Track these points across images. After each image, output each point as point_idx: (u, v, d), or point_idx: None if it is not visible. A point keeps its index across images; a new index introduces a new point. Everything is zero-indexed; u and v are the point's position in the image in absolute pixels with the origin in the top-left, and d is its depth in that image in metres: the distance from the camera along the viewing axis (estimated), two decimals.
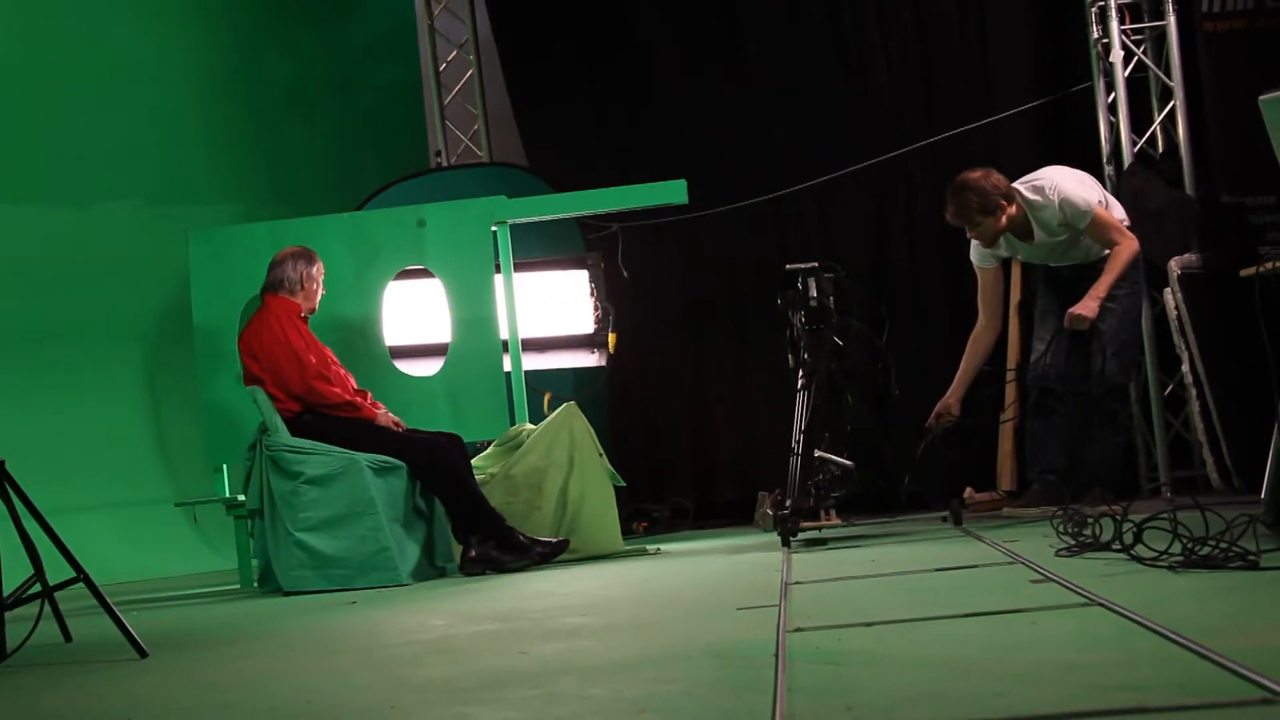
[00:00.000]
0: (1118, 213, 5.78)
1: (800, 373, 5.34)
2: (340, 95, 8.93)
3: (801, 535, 5.11)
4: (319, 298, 5.83)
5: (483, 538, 5.46)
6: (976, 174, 5.57)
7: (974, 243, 5.74)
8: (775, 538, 5.13)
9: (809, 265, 5.40)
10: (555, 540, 5.59)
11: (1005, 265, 6.23)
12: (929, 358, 6.94)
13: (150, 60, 8.25)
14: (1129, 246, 5.55)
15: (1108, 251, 5.62)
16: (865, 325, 5.71)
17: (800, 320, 5.35)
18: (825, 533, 5.25)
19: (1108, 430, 5.69)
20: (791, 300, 5.39)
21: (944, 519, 5.53)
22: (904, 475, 5.66)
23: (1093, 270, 5.69)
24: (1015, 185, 5.61)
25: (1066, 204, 5.50)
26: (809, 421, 5.20)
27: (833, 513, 5.17)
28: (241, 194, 8.37)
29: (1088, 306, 5.46)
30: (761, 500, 5.32)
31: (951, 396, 5.83)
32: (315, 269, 5.79)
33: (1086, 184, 5.75)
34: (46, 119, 7.89)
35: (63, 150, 7.93)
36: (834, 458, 5.21)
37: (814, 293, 5.34)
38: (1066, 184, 5.61)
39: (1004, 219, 5.53)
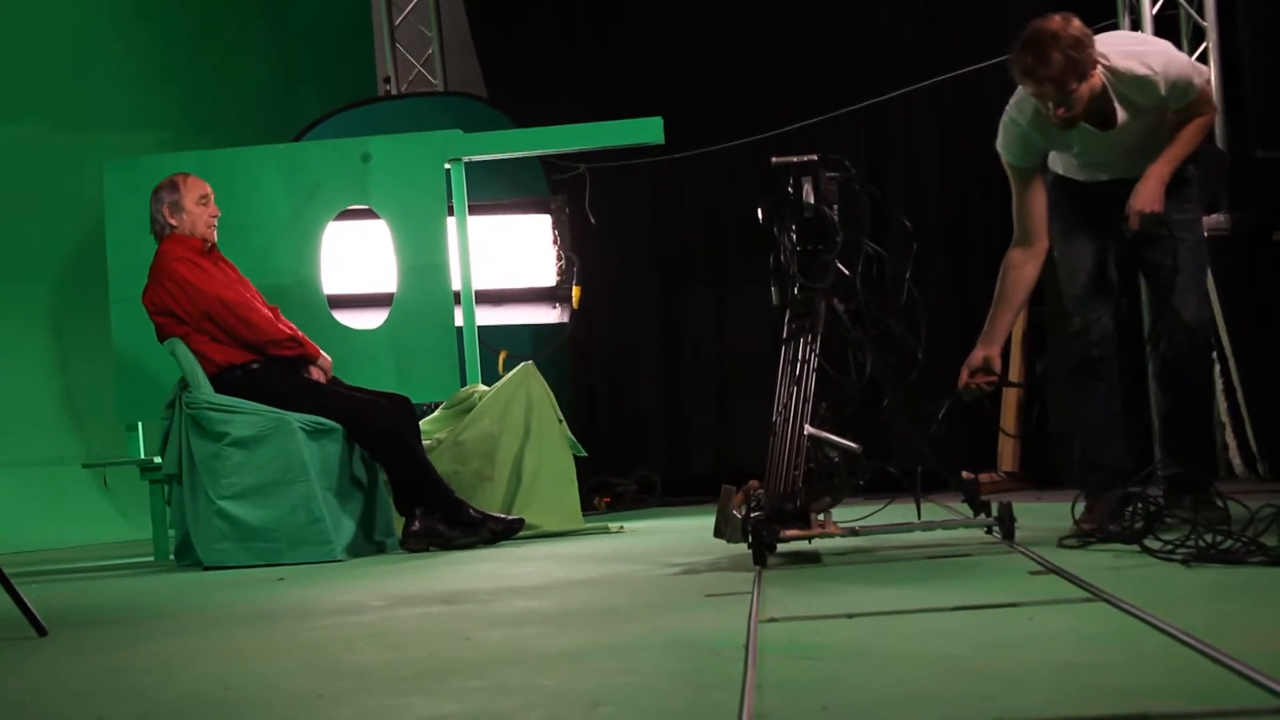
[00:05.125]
0: None
1: (788, 315, 4.29)
2: (278, 12, 8.86)
3: (783, 548, 4.08)
4: (214, 224, 5.71)
5: (428, 510, 5.47)
6: (1057, 21, 4.30)
7: (1012, 133, 4.61)
8: (745, 550, 3.98)
9: (805, 159, 4.31)
10: (510, 518, 5.59)
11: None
12: (932, 316, 6.89)
13: None
14: (1209, 119, 4.59)
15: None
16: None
17: (791, 239, 4.25)
18: (818, 544, 4.36)
19: (1206, 403, 4.82)
20: (779, 210, 4.28)
21: (988, 530, 4.28)
22: (922, 454, 4.54)
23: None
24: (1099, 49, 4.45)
25: (1180, 79, 4.42)
26: (800, 386, 4.12)
27: (830, 516, 4.12)
28: (163, 120, 8.31)
29: (1153, 197, 4.40)
30: (727, 496, 4.10)
31: (992, 347, 4.67)
32: (181, 195, 5.67)
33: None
34: None
35: None
36: (833, 438, 4.09)
37: (811, 199, 4.25)
38: (1174, 52, 4.57)
39: (1088, 86, 4.35)
